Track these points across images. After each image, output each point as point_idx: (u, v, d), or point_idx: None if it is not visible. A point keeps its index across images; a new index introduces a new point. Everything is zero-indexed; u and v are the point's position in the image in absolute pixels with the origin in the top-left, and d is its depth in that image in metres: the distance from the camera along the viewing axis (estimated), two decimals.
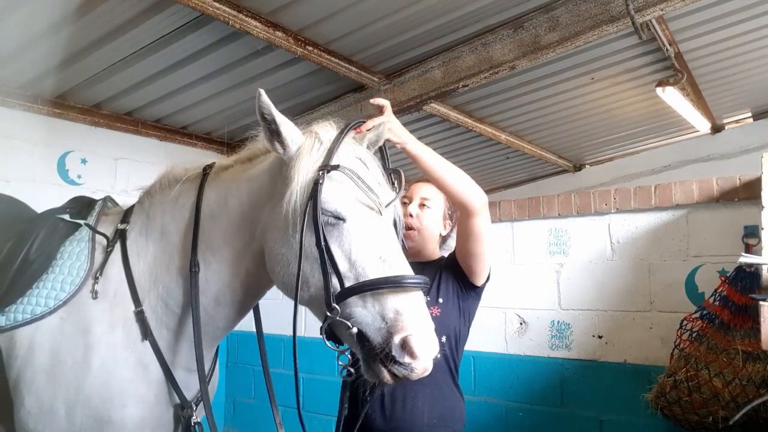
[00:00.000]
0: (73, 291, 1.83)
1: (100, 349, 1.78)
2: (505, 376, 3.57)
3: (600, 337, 3.29)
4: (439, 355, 2.04)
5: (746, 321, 2.48)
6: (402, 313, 1.43)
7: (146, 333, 1.82)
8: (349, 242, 1.51)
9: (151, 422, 1.82)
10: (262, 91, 1.57)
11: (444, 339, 2.12)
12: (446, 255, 2.35)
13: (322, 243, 1.47)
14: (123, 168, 4.67)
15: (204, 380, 1.78)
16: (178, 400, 1.86)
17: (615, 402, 3.16)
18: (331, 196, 1.53)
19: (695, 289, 3.02)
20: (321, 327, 1.52)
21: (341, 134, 1.63)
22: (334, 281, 1.48)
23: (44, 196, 3.35)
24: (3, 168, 3.92)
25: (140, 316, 1.82)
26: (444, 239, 2.36)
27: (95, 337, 1.78)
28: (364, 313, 1.46)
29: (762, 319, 2.01)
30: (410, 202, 2.28)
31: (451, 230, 2.35)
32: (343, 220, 1.52)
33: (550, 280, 3.50)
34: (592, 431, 3.24)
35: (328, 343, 1.53)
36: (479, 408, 3.61)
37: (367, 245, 1.51)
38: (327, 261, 1.48)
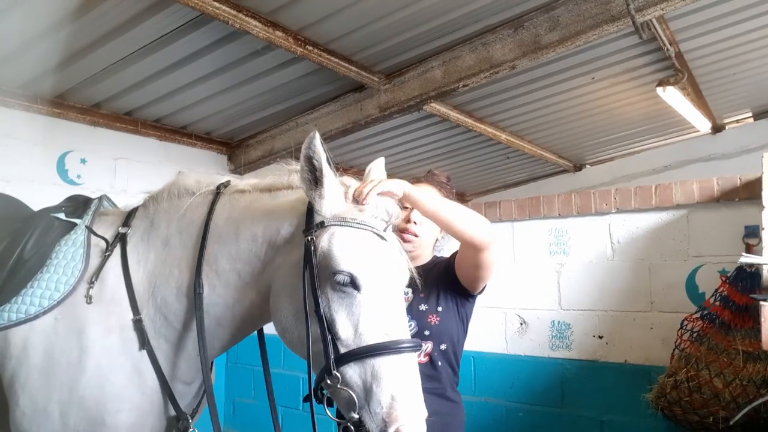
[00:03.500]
0: (68, 291, 1.81)
1: (95, 352, 1.76)
2: (506, 376, 3.57)
3: (600, 337, 3.29)
4: (440, 363, 2.07)
5: (747, 321, 2.48)
6: (397, 398, 1.42)
7: (143, 342, 1.79)
8: (358, 313, 1.49)
9: (144, 430, 1.81)
10: (317, 135, 1.53)
11: (443, 347, 2.11)
12: (438, 255, 2.33)
13: (322, 310, 1.48)
14: (122, 168, 4.66)
15: (213, 402, 1.77)
16: (173, 412, 1.84)
17: (615, 402, 3.16)
18: (347, 258, 1.50)
19: (696, 289, 3.01)
20: (314, 390, 1.52)
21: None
22: (334, 346, 1.48)
23: (43, 196, 3.32)
24: (2, 168, 3.91)
25: (138, 325, 1.80)
26: (436, 239, 2.33)
27: (90, 340, 1.77)
28: (359, 383, 1.45)
29: (762, 319, 2.01)
30: (412, 207, 2.18)
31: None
32: (358, 289, 1.49)
33: (550, 280, 3.50)
34: (593, 431, 3.24)
35: (328, 411, 1.50)
36: (479, 408, 3.61)
37: (377, 319, 1.49)
38: (326, 329, 1.47)
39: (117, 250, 1.89)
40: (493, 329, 3.66)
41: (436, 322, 2.09)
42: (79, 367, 1.75)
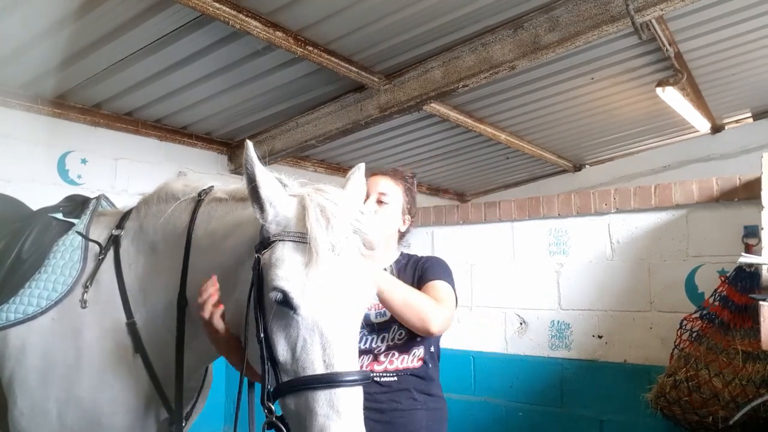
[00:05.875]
0: (65, 291, 1.81)
1: (92, 354, 1.77)
2: (505, 376, 3.57)
3: (600, 337, 3.30)
4: (431, 365, 2.10)
5: (746, 321, 2.49)
6: None
7: (138, 345, 1.79)
8: (296, 337, 1.37)
9: None
10: (250, 144, 1.42)
11: (432, 349, 2.13)
12: (403, 252, 2.26)
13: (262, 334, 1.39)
14: (123, 168, 4.67)
15: (180, 421, 1.78)
16: (167, 414, 1.85)
17: (615, 402, 3.16)
18: (281, 274, 1.36)
19: (695, 289, 3.02)
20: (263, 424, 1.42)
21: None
22: (274, 373, 1.40)
23: (44, 196, 3.33)
24: (3, 168, 3.92)
25: (132, 328, 1.80)
26: (402, 235, 2.26)
27: (86, 342, 1.77)
28: (294, 416, 1.37)
29: (762, 319, 2.02)
30: (366, 198, 2.09)
31: (410, 225, 2.27)
32: (294, 309, 1.35)
33: (550, 280, 3.50)
34: (592, 431, 3.24)
35: None
36: (479, 408, 3.61)
37: (316, 346, 1.36)
38: (264, 356, 1.38)
39: (111, 254, 1.89)
40: (493, 329, 3.67)
41: None
42: (76, 367, 1.75)
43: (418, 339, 2.07)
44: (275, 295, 1.36)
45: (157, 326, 1.81)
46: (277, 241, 1.42)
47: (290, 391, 1.36)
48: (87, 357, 1.76)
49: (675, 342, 2.73)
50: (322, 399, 1.32)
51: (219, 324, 1.53)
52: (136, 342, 1.80)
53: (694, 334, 2.67)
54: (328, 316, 1.38)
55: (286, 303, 1.35)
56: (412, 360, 2.07)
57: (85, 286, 1.83)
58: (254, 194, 1.44)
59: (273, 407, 1.38)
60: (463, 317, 3.77)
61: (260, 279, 1.41)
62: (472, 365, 3.69)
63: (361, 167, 1.76)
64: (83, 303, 1.81)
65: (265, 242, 1.44)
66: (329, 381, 1.33)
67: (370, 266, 1.52)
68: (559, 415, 3.36)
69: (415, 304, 1.90)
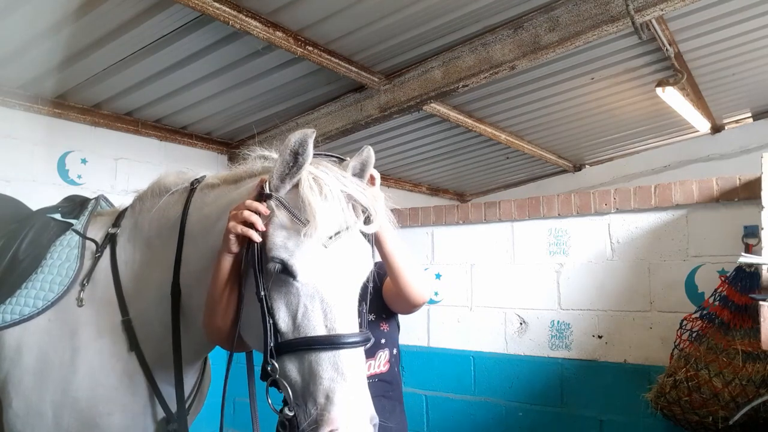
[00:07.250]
0: (62, 292, 1.81)
1: (87, 353, 1.76)
2: (505, 376, 3.57)
3: (600, 337, 3.30)
4: (396, 369, 2.07)
5: (746, 321, 2.49)
6: (334, 399, 1.31)
7: (133, 344, 1.79)
8: (296, 303, 1.39)
9: None
10: (313, 134, 1.41)
11: (395, 351, 2.10)
12: None
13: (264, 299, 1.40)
14: (123, 168, 4.67)
15: (183, 411, 1.78)
16: (164, 414, 1.85)
17: (615, 402, 3.16)
18: (282, 244, 1.39)
19: (695, 289, 3.02)
20: (262, 377, 1.44)
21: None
22: (275, 334, 1.41)
23: (44, 195, 3.34)
24: (3, 168, 3.92)
25: (127, 325, 1.80)
26: None
27: (82, 341, 1.77)
28: (297, 379, 1.38)
29: (762, 319, 2.02)
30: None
31: None
32: (293, 276, 1.38)
33: (550, 280, 3.50)
34: (592, 431, 3.24)
35: (270, 400, 1.43)
36: (479, 408, 3.61)
37: (316, 310, 1.39)
38: (266, 314, 1.40)
39: (107, 252, 1.89)
40: (493, 329, 3.66)
41: (387, 329, 2.07)
42: (72, 368, 1.75)
43: (383, 341, 2.05)
44: (274, 265, 1.39)
45: (152, 322, 1.81)
46: (274, 210, 1.43)
47: (293, 350, 1.37)
48: (83, 356, 1.76)
49: (675, 342, 2.73)
50: (326, 362, 1.34)
51: (234, 245, 1.47)
52: (132, 339, 1.79)
53: (694, 334, 2.67)
54: (327, 281, 1.40)
55: (285, 270, 1.39)
56: (378, 365, 2.04)
57: (82, 285, 1.83)
58: (290, 176, 1.44)
59: (276, 365, 1.39)
60: (463, 317, 3.77)
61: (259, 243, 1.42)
62: (472, 365, 3.69)
63: (368, 148, 1.70)
64: (80, 301, 1.81)
65: (263, 196, 1.45)
66: (332, 342, 1.35)
67: (379, 224, 1.53)
68: (559, 415, 3.36)
69: (419, 269, 1.84)
